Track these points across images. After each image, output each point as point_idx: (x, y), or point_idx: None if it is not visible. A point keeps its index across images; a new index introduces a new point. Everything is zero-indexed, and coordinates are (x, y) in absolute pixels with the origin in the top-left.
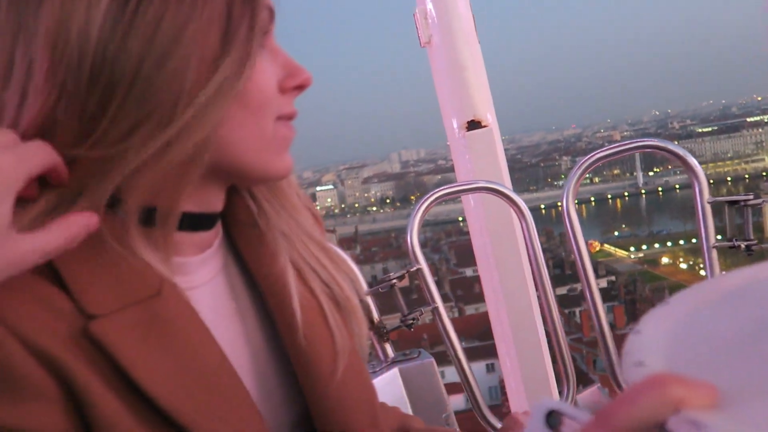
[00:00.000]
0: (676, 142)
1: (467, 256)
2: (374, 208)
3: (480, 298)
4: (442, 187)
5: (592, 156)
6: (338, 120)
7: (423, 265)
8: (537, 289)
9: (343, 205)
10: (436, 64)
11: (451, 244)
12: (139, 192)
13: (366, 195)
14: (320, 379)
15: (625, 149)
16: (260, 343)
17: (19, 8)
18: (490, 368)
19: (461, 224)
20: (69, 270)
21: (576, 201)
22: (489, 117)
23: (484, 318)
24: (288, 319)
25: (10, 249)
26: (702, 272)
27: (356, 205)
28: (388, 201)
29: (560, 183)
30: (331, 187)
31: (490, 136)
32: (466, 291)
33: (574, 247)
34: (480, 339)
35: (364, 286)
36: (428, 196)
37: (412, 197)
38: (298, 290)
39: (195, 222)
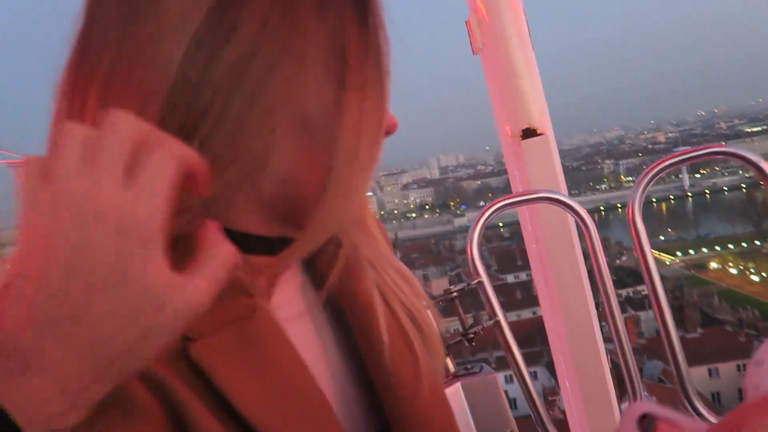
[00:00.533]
0: (724, 143)
1: (508, 262)
2: (413, 215)
3: (521, 304)
4: (504, 198)
5: (658, 164)
6: None
7: (484, 277)
8: (602, 301)
9: (382, 212)
10: (490, 70)
11: (492, 249)
12: (222, 215)
13: (405, 201)
14: (404, 401)
15: (694, 156)
16: (338, 362)
17: (120, 23)
18: (533, 376)
19: (501, 230)
20: None
21: (619, 208)
22: (545, 124)
23: (526, 324)
24: (373, 340)
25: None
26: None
27: (395, 211)
28: (427, 207)
29: (602, 187)
30: (370, 194)
31: (547, 145)
32: (507, 297)
33: (642, 259)
34: (522, 346)
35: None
36: (488, 206)
37: (451, 203)
38: (383, 312)
39: (272, 244)
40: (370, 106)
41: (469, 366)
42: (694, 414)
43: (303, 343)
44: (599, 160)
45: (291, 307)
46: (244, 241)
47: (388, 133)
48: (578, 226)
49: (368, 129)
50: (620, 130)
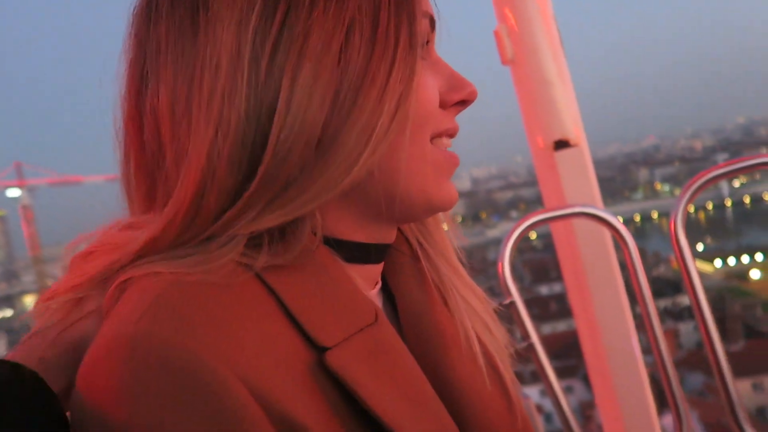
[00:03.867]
0: (764, 150)
1: (542, 274)
2: (444, 227)
3: (555, 317)
4: (536, 213)
5: (702, 175)
6: None
7: (516, 297)
8: (641, 315)
9: None
10: (521, 81)
11: (525, 262)
12: (331, 229)
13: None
14: None
15: (741, 168)
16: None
17: (176, 45)
18: (569, 390)
19: (532, 242)
20: (296, 302)
21: (658, 216)
22: (578, 135)
23: (562, 337)
24: (439, 359)
25: None
26: None
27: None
28: (459, 220)
29: (637, 197)
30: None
31: (581, 156)
32: (541, 310)
33: (685, 275)
34: (558, 359)
35: None
36: (520, 222)
37: (483, 214)
38: (452, 328)
39: (371, 253)
40: (395, 79)
41: None
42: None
43: None
44: (634, 169)
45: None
46: (353, 250)
47: (467, 102)
48: (615, 240)
49: (390, 101)
50: (656, 138)
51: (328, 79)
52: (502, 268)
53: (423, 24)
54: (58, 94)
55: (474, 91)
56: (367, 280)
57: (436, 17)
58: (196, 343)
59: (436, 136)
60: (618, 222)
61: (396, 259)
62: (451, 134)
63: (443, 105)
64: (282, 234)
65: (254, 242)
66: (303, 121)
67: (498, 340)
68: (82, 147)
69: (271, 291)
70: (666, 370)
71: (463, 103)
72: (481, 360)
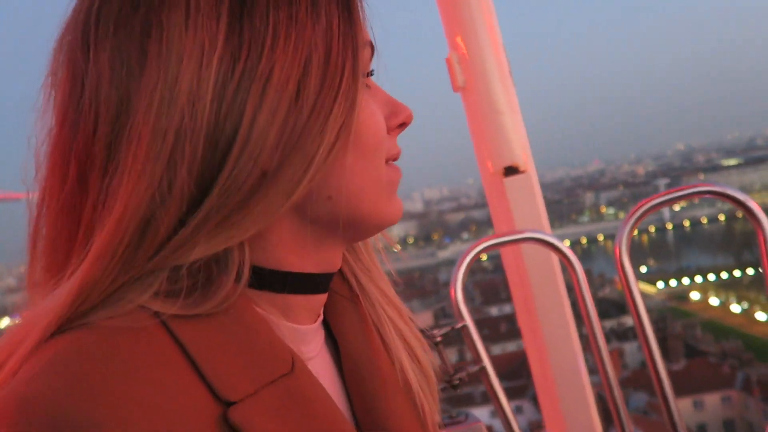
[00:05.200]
0: (702, 176)
1: (492, 295)
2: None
3: (505, 338)
4: (487, 238)
5: (645, 203)
6: None
7: (468, 321)
8: (587, 336)
9: None
10: (471, 108)
11: (475, 283)
12: (259, 254)
13: (389, 234)
14: None
15: (681, 195)
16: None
17: (119, 87)
18: (518, 410)
19: (483, 263)
20: (202, 353)
21: (603, 238)
22: (527, 162)
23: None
24: (377, 403)
25: None
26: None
27: (378, 244)
28: (411, 241)
29: (584, 219)
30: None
31: (529, 182)
32: (492, 331)
33: (629, 298)
34: (508, 379)
35: None
36: (472, 248)
37: (435, 236)
38: (389, 369)
39: (316, 283)
40: (337, 110)
41: (453, 414)
42: None
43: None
44: (580, 193)
45: (323, 359)
46: (285, 281)
47: (405, 124)
48: (562, 263)
49: (330, 132)
50: (601, 163)
51: (284, 116)
52: (455, 292)
53: (366, 53)
54: None
55: (410, 113)
56: (309, 311)
57: (374, 45)
58: (90, 404)
59: (388, 161)
60: (565, 247)
61: (336, 301)
62: (397, 158)
63: (387, 129)
64: (206, 278)
65: (172, 285)
66: (258, 157)
67: (426, 373)
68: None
69: (176, 340)
70: (612, 390)
71: (402, 125)
72: (413, 396)
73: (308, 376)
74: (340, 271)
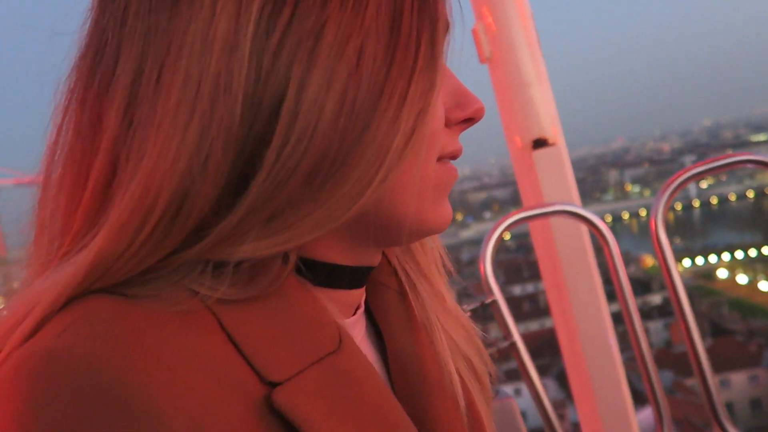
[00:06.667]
0: (730, 152)
1: (515, 275)
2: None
3: (528, 317)
4: (518, 212)
5: (683, 173)
6: None
7: (498, 296)
8: (625, 317)
9: None
10: (499, 80)
11: (498, 263)
12: (306, 247)
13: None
14: None
15: (721, 165)
16: None
17: (147, 20)
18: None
19: (506, 242)
20: (245, 334)
21: (629, 216)
22: (556, 134)
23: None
24: (422, 399)
25: None
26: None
27: None
28: None
29: (608, 198)
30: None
31: (558, 155)
32: (515, 310)
33: (667, 274)
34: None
35: None
36: (501, 221)
37: (458, 215)
38: (436, 371)
39: (351, 278)
40: (414, 93)
41: None
42: (720, 430)
43: None
44: (604, 171)
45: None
46: (329, 273)
47: (472, 120)
48: (594, 238)
49: (407, 119)
50: (625, 140)
51: (341, 89)
52: (484, 266)
53: (441, 26)
54: (20, 91)
55: (481, 107)
56: (344, 305)
57: (451, 23)
58: (127, 363)
59: (442, 158)
60: (598, 220)
61: (383, 294)
62: (455, 156)
63: (448, 123)
64: (253, 264)
65: (216, 269)
66: (312, 138)
67: (483, 384)
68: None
69: (218, 319)
70: (646, 366)
71: (468, 121)
72: (462, 405)
73: (357, 354)
74: (388, 262)
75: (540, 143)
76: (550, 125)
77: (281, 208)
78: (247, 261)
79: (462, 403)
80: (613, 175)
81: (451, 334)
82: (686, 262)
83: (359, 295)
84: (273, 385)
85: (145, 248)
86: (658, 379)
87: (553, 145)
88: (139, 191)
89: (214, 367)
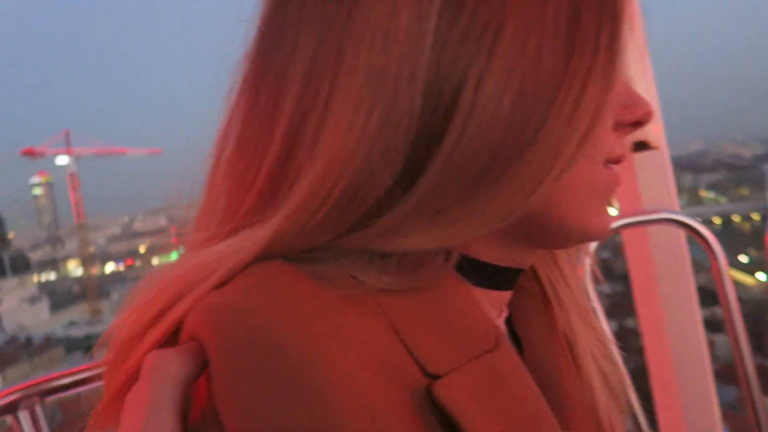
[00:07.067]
0: None
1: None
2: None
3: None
4: (619, 218)
5: None
6: None
7: (596, 303)
8: (729, 334)
9: None
10: None
11: None
12: (467, 244)
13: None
14: None
15: None
16: None
17: (325, 8)
18: None
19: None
20: (407, 325)
21: (701, 220)
22: (658, 137)
23: None
24: (569, 425)
25: None
26: None
27: None
28: None
29: (680, 202)
30: None
31: (662, 159)
32: None
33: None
34: None
35: None
36: None
37: None
38: (575, 385)
39: (508, 278)
40: (591, 92)
41: None
42: None
43: None
44: (678, 174)
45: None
46: (488, 273)
47: (640, 124)
48: (701, 250)
49: (582, 119)
50: (700, 143)
51: (519, 85)
52: (582, 274)
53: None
54: (109, 63)
55: (650, 111)
56: (494, 306)
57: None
58: (306, 330)
59: (608, 162)
60: (708, 233)
61: (524, 299)
62: (620, 162)
63: (615, 126)
64: (415, 256)
65: (383, 260)
66: (488, 132)
67: (619, 405)
68: (125, 119)
69: (381, 309)
70: (748, 380)
71: (636, 125)
72: (606, 426)
73: (512, 355)
74: (531, 268)
75: (641, 146)
76: (652, 126)
77: (449, 203)
78: (413, 253)
79: (606, 423)
80: (687, 179)
81: (592, 348)
82: (761, 276)
83: (507, 297)
84: (433, 377)
85: (314, 232)
86: (759, 391)
87: (655, 148)
88: (319, 178)
89: (380, 351)
